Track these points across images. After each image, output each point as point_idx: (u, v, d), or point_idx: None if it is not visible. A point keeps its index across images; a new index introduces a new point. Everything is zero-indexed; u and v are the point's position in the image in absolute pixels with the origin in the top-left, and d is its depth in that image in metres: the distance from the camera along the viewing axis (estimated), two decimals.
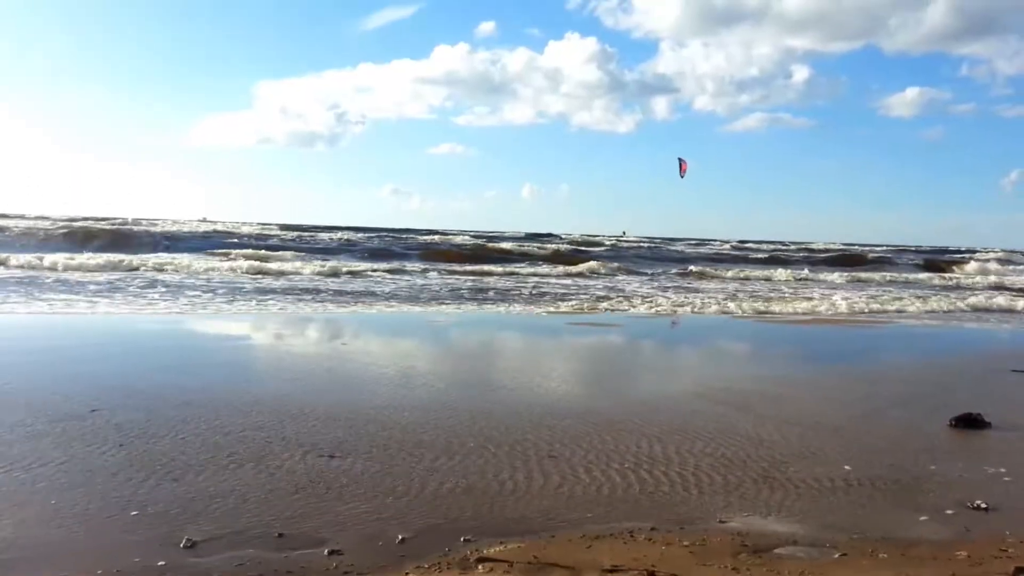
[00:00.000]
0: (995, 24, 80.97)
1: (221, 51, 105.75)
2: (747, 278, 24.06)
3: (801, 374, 7.50)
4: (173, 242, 28.68)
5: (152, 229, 36.57)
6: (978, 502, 3.62)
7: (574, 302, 14.06)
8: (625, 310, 13.22)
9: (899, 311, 14.68)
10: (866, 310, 14.49)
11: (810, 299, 16.17)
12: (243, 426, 4.53)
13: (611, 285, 19.27)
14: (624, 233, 61.40)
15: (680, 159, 25.07)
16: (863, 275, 26.88)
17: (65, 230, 29.09)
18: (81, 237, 26.82)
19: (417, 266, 23.44)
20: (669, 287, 19.39)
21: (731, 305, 14.17)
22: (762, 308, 14.05)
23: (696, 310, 13.51)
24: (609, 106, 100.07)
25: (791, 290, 19.60)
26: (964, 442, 4.87)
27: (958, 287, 23.02)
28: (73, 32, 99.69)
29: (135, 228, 35.55)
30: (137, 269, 17.02)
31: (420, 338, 9.40)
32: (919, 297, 17.78)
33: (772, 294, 17.93)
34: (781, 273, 25.86)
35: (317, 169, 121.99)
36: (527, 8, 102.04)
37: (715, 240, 64.51)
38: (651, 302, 14.56)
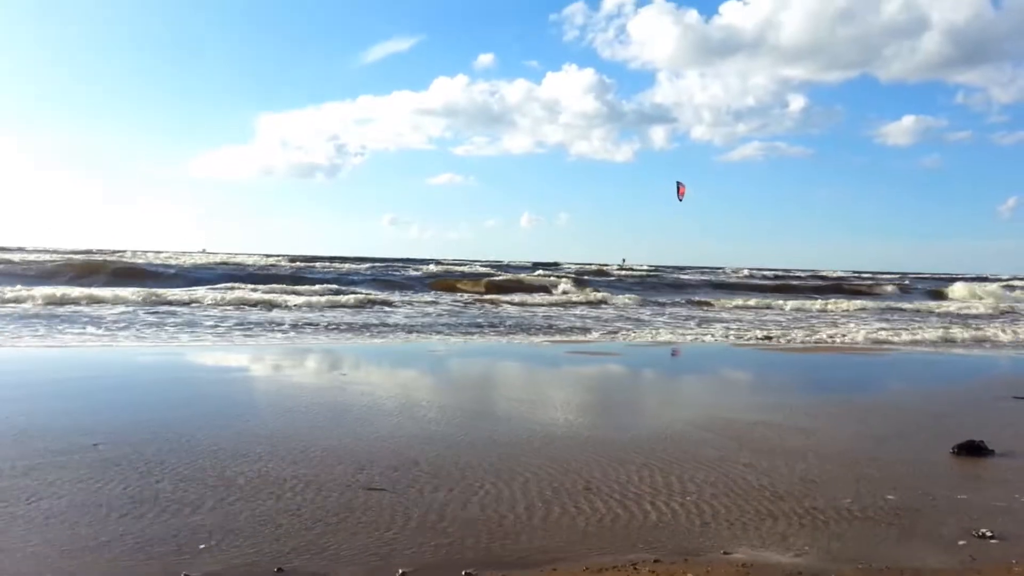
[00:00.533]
0: (990, 52, 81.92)
1: (224, 85, 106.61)
2: (769, 307, 23.70)
3: (803, 403, 7.47)
4: (182, 273, 28.75)
5: (155, 261, 36.76)
6: (983, 531, 3.59)
7: (596, 333, 14.09)
8: (645, 339, 13.21)
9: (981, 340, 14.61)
10: (933, 339, 14.47)
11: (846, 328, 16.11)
12: (246, 460, 4.51)
13: (626, 315, 19.21)
14: (624, 261, 61.58)
15: (678, 183, 25.34)
16: (891, 304, 26.75)
17: (66, 262, 29.18)
18: (84, 270, 26.83)
19: (431, 296, 23.57)
20: (690, 316, 19.22)
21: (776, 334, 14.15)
22: (814, 338, 13.91)
23: (736, 340, 13.46)
24: (607, 136, 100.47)
25: (814, 320, 19.26)
26: (967, 470, 4.84)
27: (1011, 312, 22.96)
28: (74, 65, 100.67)
29: (139, 260, 35.74)
30: (147, 302, 16.91)
31: (430, 369, 9.38)
32: (969, 326, 17.57)
33: (802, 324, 17.83)
34: (804, 303, 25.44)
35: (317, 200, 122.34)
36: (525, 40, 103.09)
37: (718, 268, 64.69)
38: (675, 331, 14.59)
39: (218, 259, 42.28)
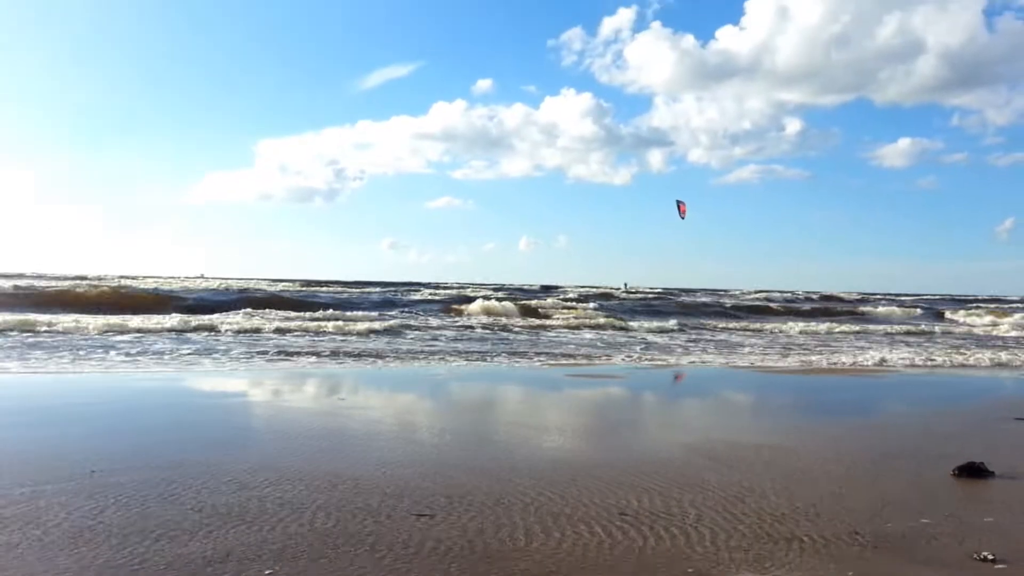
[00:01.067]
0: (985, 75, 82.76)
1: (224, 111, 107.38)
2: (778, 331, 23.42)
3: (803, 425, 7.46)
4: (192, 297, 28.69)
5: (162, 287, 36.75)
6: (985, 553, 3.57)
7: (623, 356, 14.13)
8: (680, 364, 13.20)
9: None
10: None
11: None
12: (241, 487, 4.49)
13: (644, 339, 19.11)
14: (625, 285, 61.50)
15: (678, 201, 25.39)
16: (911, 327, 26.42)
17: (69, 288, 29.17)
18: (90, 297, 26.69)
19: (453, 319, 23.89)
20: (708, 340, 19.16)
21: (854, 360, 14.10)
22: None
23: (804, 365, 13.45)
24: (605, 159, 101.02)
25: (841, 343, 18.98)
26: (968, 492, 4.82)
27: None
28: (74, 91, 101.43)
29: (143, 287, 35.73)
30: (177, 329, 16.66)
31: (446, 394, 9.36)
32: None
33: (828, 347, 17.72)
34: (833, 326, 25.22)
35: (315, 224, 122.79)
36: (523, 66, 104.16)
37: (721, 290, 64.71)
38: (700, 355, 14.58)
39: (224, 284, 42.27)
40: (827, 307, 39.44)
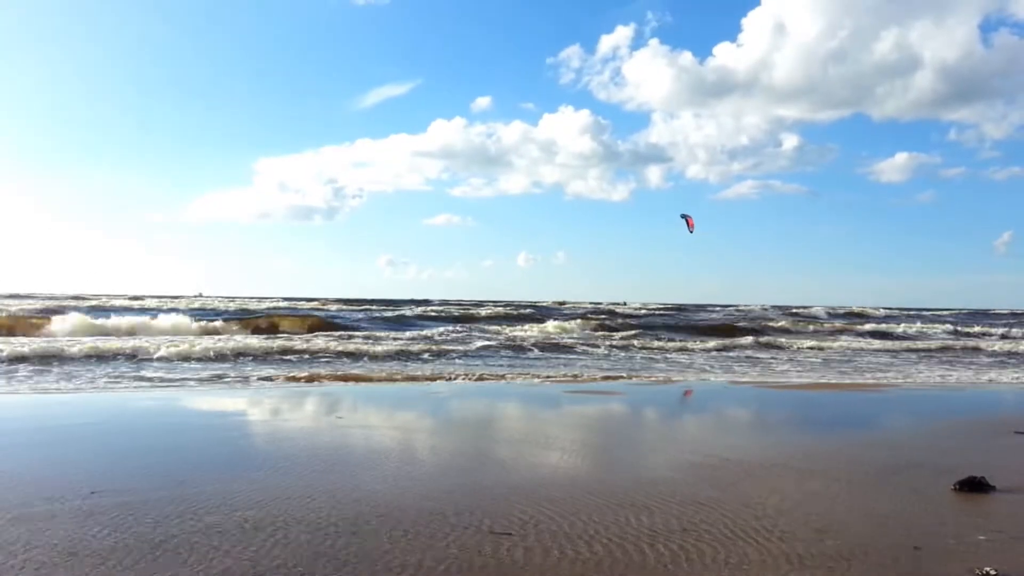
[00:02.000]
0: (982, 90, 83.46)
1: (223, 130, 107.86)
2: (794, 347, 23.14)
3: (804, 442, 7.43)
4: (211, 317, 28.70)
5: (177, 306, 36.64)
6: (987, 569, 3.55)
7: (660, 375, 14.19)
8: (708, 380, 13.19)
9: None
10: None
11: None
12: (238, 507, 4.47)
13: (677, 359, 19.03)
14: (625, 304, 61.53)
15: (685, 215, 25.14)
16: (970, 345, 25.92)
17: (78, 306, 29.15)
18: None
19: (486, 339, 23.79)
20: (739, 357, 19.14)
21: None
22: None
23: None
24: (603, 175, 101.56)
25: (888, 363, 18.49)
26: (969, 506, 4.80)
27: None
28: (73, 110, 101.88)
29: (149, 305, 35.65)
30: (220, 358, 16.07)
31: (456, 412, 9.34)
32: None
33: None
34: (873, 343, 25.04)
35: (314, 242, 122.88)
36: (522, 84, 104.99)
37: (730, 305, 64.59)
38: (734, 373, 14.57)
39: (234, 305, 42.20)
40: (858, 324, 38.66)
